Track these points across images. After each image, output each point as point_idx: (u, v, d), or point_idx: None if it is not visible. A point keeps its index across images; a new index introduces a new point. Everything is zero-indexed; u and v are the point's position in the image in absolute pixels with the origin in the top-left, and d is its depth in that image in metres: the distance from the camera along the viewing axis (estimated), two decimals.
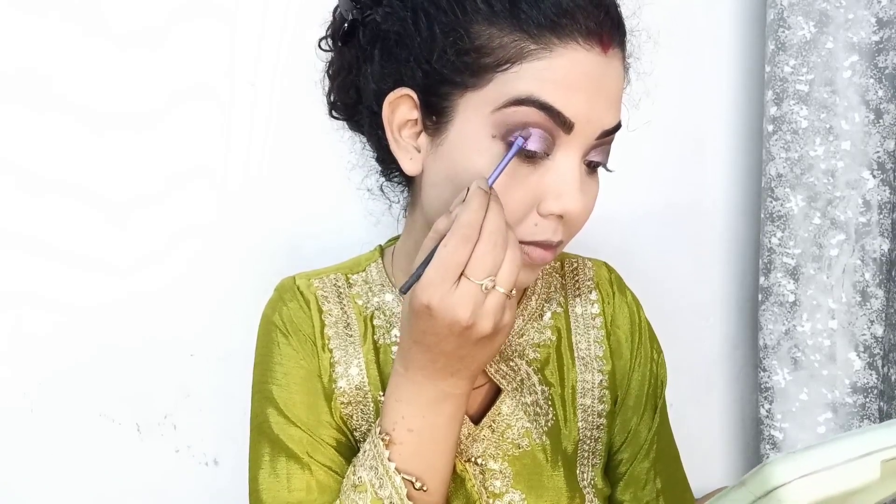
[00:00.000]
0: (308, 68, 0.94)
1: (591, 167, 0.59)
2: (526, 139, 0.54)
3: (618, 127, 0.59)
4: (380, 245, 0.74)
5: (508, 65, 0.54)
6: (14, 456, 0.91)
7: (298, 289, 0.69)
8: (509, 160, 0.53)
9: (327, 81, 0.69)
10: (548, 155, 0.55)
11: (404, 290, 0.54)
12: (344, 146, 0.92)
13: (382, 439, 0.58)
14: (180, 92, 0.90)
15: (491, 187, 0.53)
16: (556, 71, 0.54)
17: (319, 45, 0.68)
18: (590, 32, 0.54)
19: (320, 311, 0.68)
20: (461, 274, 0.51)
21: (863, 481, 0.39)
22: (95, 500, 0.94)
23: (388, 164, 0.67)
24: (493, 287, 0.51)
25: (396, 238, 0.74)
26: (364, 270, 0.71)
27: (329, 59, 0.68)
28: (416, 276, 0.53)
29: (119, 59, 0.88)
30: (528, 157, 0.55)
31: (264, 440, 0.65)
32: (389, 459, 0.57)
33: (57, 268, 0.89)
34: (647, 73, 1.02)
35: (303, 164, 0.94)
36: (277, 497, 0.63)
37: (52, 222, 0.89)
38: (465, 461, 0.64)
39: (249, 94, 0.92)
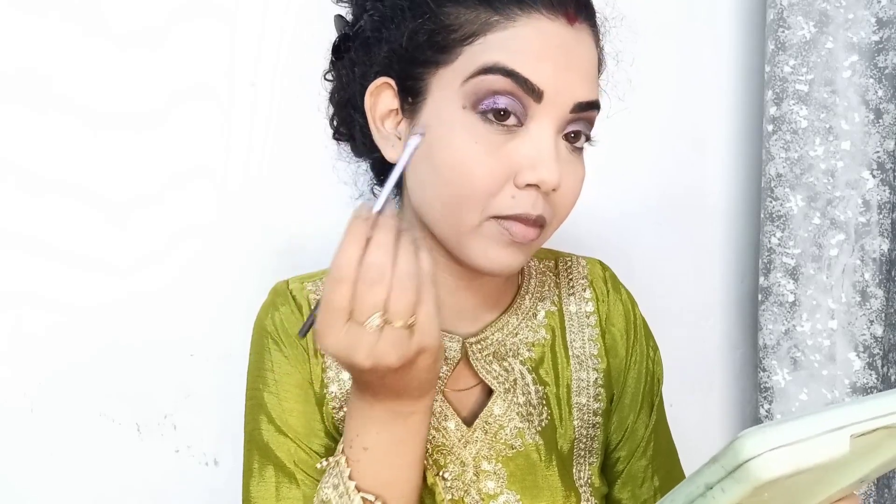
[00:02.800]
0: (308, 68, 0.94)
1: (573, 144, 0.59)
2: (423, 135, 0.52)
3: (595, 104, 0.59)
4: None
5: (475, 37, 0.55)
6: (14, 456, 0.91)
7: (291, 293, 0.69)
8: (402, 168, 0.51)
9: (331, 109, 0.70)
10: (521, 124, 0.56)
11: (301, 334, 0.52)
12: (346, 145, 0.92)
13: (343, 457, 0.57)
14: (180, 92, 0.90)
15: (379, 212, 0.50)
16: (521, 40, 0.55)
17: (325, 78, 0.70)
18: (553, 4, 0.56)
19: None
20: (350, 315, 0.48)
21: (832, 455, 0.39)
22: (95, 500, 0.94)
23: (380, 166, 0.68)
24: (385, 323, 0.48)
25: None
26: None
27: (331, 87, 0.69)
28: (310, 320, 0.50)
29: (119, 59, 0.88)
30: (500, 120, 0.55)
31: (255, 449, 0.65)
32: (350, 478, 0.56)
33: (57, 268, 0.89)
34: (645, 71, 1.03)
35: (303, 164, 0.94)
36: None
37: (52, 222, 0.89)
38: (434, 474, 0.64)
39: (249, 94, 0.92)
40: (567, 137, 0.58)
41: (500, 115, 0.55)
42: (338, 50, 0.66)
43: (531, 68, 0.55)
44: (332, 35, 0.89)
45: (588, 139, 0.60)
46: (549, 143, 0.56)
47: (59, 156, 0.88)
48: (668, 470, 0.74)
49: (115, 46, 0.88)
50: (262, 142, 0.93)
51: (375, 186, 0.73)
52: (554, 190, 0.56)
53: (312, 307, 0.51)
